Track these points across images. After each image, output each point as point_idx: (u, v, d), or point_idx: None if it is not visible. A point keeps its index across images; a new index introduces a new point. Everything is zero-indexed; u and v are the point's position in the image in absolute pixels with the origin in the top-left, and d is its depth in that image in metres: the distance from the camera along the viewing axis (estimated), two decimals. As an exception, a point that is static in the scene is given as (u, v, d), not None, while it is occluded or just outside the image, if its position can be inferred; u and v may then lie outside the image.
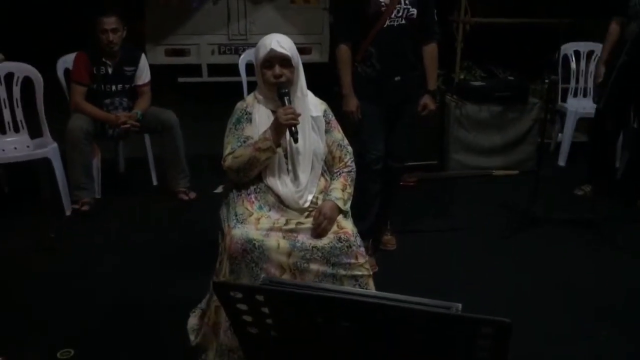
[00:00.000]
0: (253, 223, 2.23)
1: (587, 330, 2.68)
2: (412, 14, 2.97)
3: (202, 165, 4.47)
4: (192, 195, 4.13)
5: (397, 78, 3.04)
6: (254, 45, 2.46)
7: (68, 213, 3.81)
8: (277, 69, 2.30)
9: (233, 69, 4.63)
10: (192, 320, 2.53)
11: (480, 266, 3.23)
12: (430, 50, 3.14)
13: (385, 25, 2.96)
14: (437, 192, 4.41)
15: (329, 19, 6.55)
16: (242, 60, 4.29)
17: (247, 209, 2.29)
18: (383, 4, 2.94)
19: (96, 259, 3.30)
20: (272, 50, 2.27)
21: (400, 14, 2.96)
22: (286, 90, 2.30)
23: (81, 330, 2.62)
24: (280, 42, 2.29)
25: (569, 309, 2.84)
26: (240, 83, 4.26)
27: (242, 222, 2.23)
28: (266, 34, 2.39)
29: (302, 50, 6.46)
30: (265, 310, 1.20)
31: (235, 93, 4.22)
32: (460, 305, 1.11)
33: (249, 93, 2.53)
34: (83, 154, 3.75)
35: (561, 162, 4.90)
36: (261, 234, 2.18)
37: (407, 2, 2.96)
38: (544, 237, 3.59)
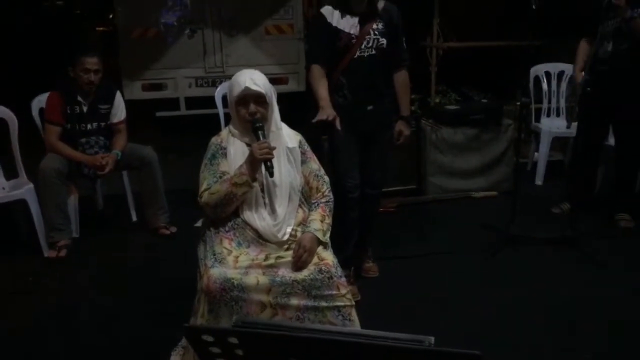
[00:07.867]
0: (232, 262, 2.22)
1: (569, 353, 2.67)
2: (382, 44, 3.02)
3: (182, 198, 4.44)
4: (173, 229, 4.09)
5: (369, 107, 3.07)
6: (230, 77, 2.46)
7: (46, 254, 3.75)
8: (252, 107, 2.31)
9: (211, 102, 4.65)
10: (174, 359, 2.49)
11: (462, 290, 3.23)
12: (402, 77, 3.19)
13: (355, 56, 2.99)
14: (417, 216, 4.43)
15: (304, 48, 6.61)
16: (219, 92, 4.31)
17: (225, 247, 2.28)
18: (353, 35, 2.98)
19: (76, 298, 3.24)
20: (246, 88, 2.28)
21: (370, 44, 3.00)
22: (260, 125, 2.31)
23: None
24: (255, 80, 2.30)
25: (551, 329, 2.84)
26: (218, 115, 4.28)
27: (220, 262, 2.21)
28: (242, 65, 2.41)
29: (278, 80, 6.58)
30: (240, 352, 1.19)
31: (213, 125, 4.23)
32: (432, 339, 1.11)
33: (226, 125, 2.53)
34: (56, 193, 3.70)
35: (538, 181, 4.96)
36: (240, 272, 2.17)
37: (376, 32, 3.01)
38: (524, 256, 3.60)
